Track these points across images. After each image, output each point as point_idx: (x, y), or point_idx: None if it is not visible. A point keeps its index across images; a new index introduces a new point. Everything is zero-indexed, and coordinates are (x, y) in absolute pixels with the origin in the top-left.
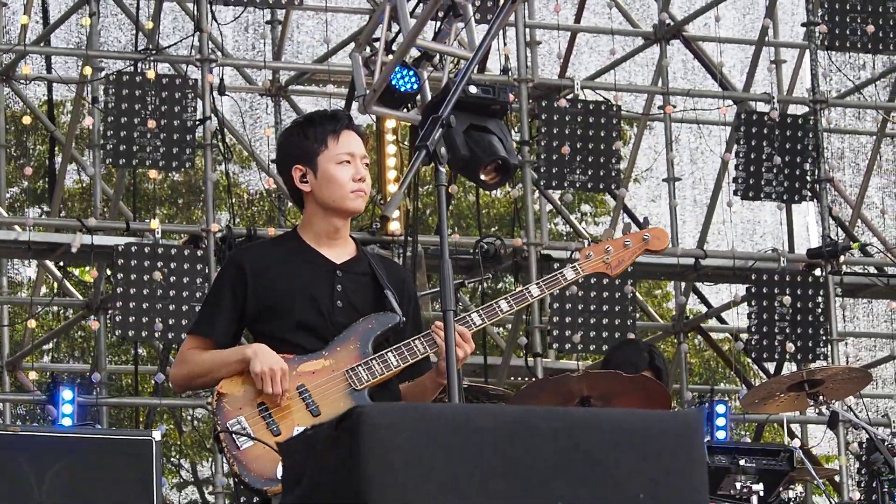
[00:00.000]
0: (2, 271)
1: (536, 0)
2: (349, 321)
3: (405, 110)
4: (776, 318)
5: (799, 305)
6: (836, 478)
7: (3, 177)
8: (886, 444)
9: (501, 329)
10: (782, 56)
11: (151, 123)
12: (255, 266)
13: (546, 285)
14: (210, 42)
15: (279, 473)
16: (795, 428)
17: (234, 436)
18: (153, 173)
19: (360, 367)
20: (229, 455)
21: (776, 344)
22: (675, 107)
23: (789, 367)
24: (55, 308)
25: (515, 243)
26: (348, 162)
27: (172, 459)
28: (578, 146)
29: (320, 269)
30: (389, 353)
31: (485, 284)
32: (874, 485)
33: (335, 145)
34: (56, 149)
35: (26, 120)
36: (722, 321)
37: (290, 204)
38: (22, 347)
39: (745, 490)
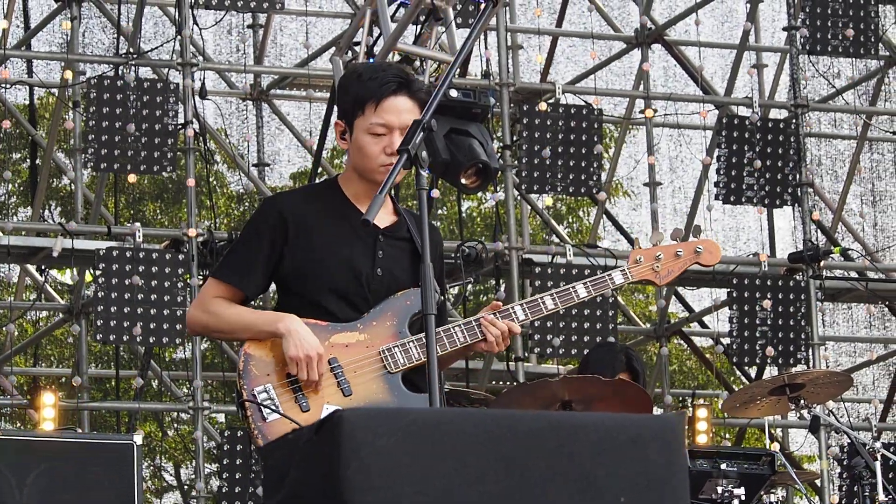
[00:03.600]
0: None
1: (518, 4)
2: (387, 292)
3: None
4: (757, 322)
5: (780, 310)
6: (818, 482)
7: None
8: (867, 448)
9: None
10: (763, 60)
11: (132, 128)
12: (297, 219)
13: (594, 286)
14: (191, 46)
15: None
16: (777, 432)
17: (261, 406)
18: (132, 177)
19: (396, 349)
20: (253, 426)
21: (757, 348)
22: (656, 111)
23: (770, 372)
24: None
25: (497, 248)
26: (383, 134)
27: (156, 461)
28: (560, 150)
29: (362, 232)
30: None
31: (466, 288)
32: (855, 489)
33: (372, 113)
34: (38, 153)
35: (6, 124)
36: (704, 325)
37: None
38: (2, 352)
39: (726, 494)
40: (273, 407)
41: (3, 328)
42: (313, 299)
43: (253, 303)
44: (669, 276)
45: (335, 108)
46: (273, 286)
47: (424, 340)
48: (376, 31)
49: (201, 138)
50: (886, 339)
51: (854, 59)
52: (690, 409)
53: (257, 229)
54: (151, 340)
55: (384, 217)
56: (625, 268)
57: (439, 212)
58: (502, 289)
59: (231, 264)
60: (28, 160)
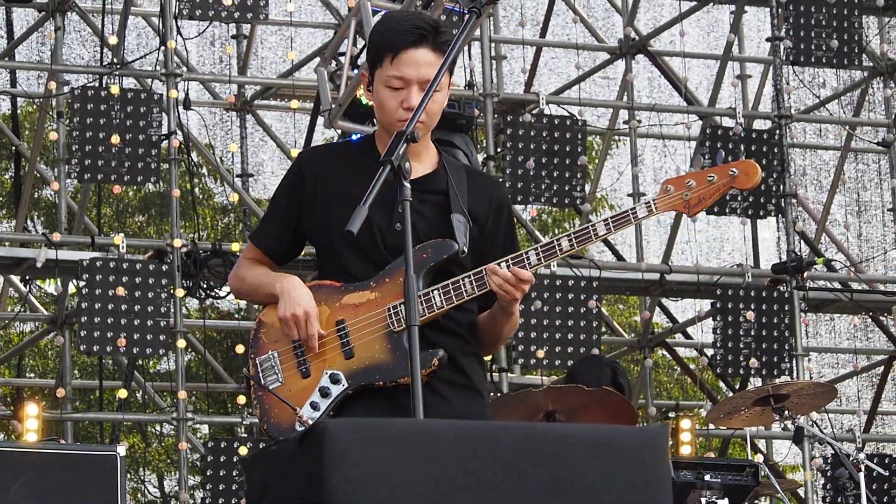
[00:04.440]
0: None
1: (501, 15)
2: (402, 242)
3: (370, 125)
4: (741, 333)
5: (764, 321)
6: (801, 492)
7: None
8: (851, 459)
9: None
10: (747, 71)
11: (115, 138)
12: (318, 172)
13: (614, 223)
14: (175, 57)
15: (297, 424)
16: (760, 443)
17: (261, 375)
18: (116, 188)
19: (401, 305)
20: (254, 396)
21: (741, 359)
22: (640, 122)
23: (754, 383)
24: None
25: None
26: (401, 87)
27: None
28: (544, 161)
29: (385, 184)
30: (435, 292)
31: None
32: (839, 500)
33: (389, 65)
34: (22, 163)
35: None
36: (688, 336)
37: (255, 219)
38: None
39: None
40: (275, 374)
41: None
42: (331, 255)
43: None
44: (701, 203)
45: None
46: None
47: (430, 295)
48: (361, 42)
49: (185, 148)
50: (870, 350)
51: (838, 70)
52: (674, 420)
53: (282, 188)
54: (135, 351)
55: (418, 167)
56: (650, 200)
57: None
58: None
59: (261, 226)
60: (11, 171)
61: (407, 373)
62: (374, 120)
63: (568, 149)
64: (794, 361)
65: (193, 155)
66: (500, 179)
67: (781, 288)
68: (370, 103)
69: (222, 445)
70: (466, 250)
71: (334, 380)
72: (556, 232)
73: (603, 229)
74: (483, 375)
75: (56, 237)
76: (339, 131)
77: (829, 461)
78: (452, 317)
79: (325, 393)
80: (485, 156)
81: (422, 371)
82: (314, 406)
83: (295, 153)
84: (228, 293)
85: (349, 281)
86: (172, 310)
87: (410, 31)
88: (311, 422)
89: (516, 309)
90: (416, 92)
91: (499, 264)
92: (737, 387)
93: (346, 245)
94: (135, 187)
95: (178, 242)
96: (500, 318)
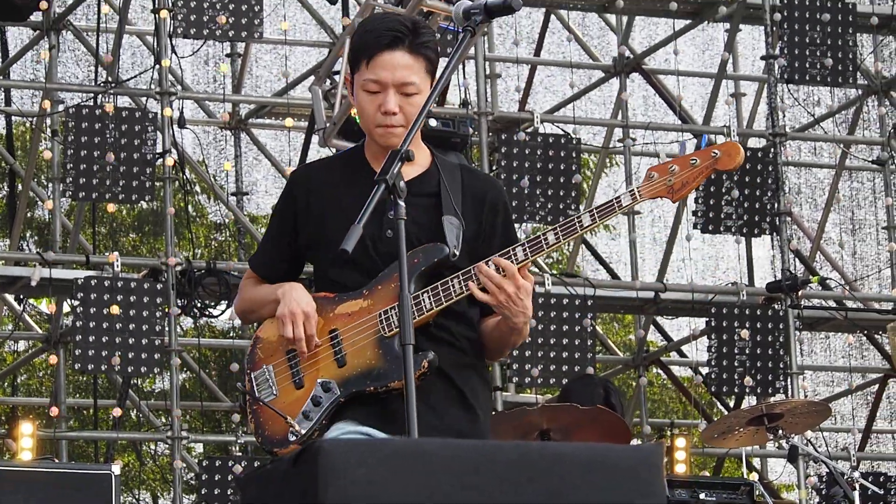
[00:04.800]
0: None
1: (496, 34)
2: (398, 253)
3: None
4: (736, 351)
5: (759, 339)
6: None
7: None
8: (846, 477)
9: None
10: (742, 89)
11: (110, 157)
12: (308, 188)
13: (599, 214)
14: (170, 75)
15: (290, 435)
16: (755, 461)
17: (256, 390)
18: (111, 207)
19: (392, 311)
20: (249, 411)
21: (736, 377)
22: (634, 140)
23: (749, 401)
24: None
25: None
26: (377, 91)
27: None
28: (538, 179)
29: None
30: (424, 295)
31: None
32: None
33: (365, 69)
34: (16, 181)
35: None
36: (682, 355)
37: (249, 237)
38: None
39: None
40: (269, 387)
41: None
42: (324, 270)
43: None
44: (685, 187)
45: (312, 134)
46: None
47: (419, 298)
48: None
49: (179, 167)
50: (865, 369)
51: (832, 88)
52: (669, 438)
53: (276, 209)
54: (130, 370)
55: (408, 170)
56: (634, 188)
57: None
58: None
59: (258, 250)
60: (5, 189)
61: (398, 377)
62: None
63: (563, 167)
64: (789, 380)
65: (188, 173)
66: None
67: (776, 306)
68: None
69: (217, 464)
70: (458, 253)
71: (326, 388)
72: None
73: (588, 220)
74: (482, 391)
75: (50, 255)
76: (334, 150)
77: (823, 480)
78: (446, 327)
79: (316, 402)
80: None
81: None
82: (306, 415)
83: (289, 171)
84: (223, 311)
85: (343, 292)
86: (167, 328)
87: (385, 34)
88: (303, 431)
89: (520, 322)
90: (393, 95)
91: (487, 263)
92: (732, 405)
93: (339, 259)
94: (129, 206)
95: (172, 261)
96: (501, 324)
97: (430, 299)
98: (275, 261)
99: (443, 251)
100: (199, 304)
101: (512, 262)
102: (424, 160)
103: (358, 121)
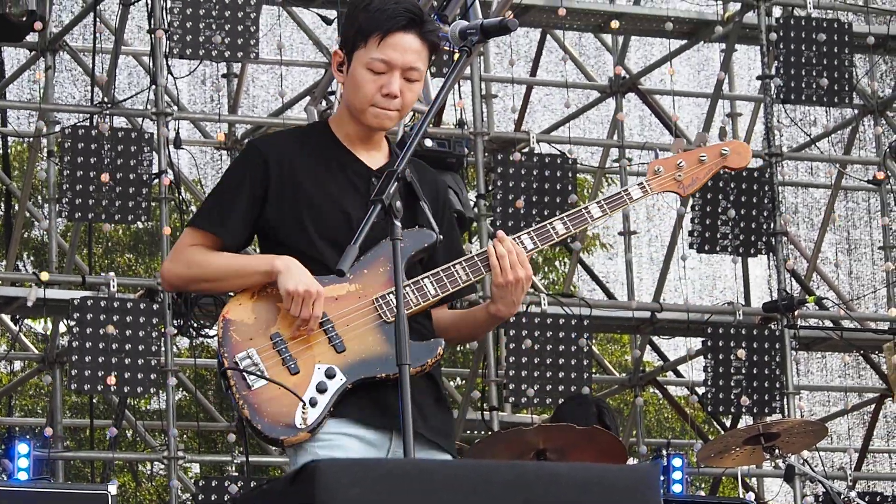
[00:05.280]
0: None
1: (492, 53)
2: (381, 236)
3: None
4: (732, 371)
5: (755, 359)
6: None
7: None
8: (842, 497)
9: (459, 381)
10: (738, 109)
11: (105, 177)
12: (282, 160)
13: (609, 206)
14: (166, 95)
15: (298, 420)
16: (752, 481)
17: (244, 373)
18: (106, 227)
19: (391, 296)
20: (238, 396)
21: (732, 397)
22: (630, 160)
23: (745, 421)
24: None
25: (470, 299)
26: (382, 72)
27: None
28: (534, 199)
29: (354, 173)
30: (426, 280)
31: None
32: None
33: (374, 47)
34: (12, 202)
35: None
36: (679, 375)
37: None
38: None
39: None
40: (259, 373)
41: None
42: (302, 248)
43: None
44: (695, 184)
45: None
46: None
47: (422, 284)
48: None
49: (175, 188)
50: (861, 388)
51: (828, 108)
52: (665, 458)
53: (239, 174)
54: (126, 390)
55: (377, 158)
56: (643, 181)
57: None
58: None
59: (210, 212)
60: (1, 210)
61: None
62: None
63: (559, 187)
64: (786, 399)
65: (184, 193)
66: (491, 218)
67: (772, 326)
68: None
69: (213, 484)
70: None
71: (329, 374)
72: (546, 270)
73: (598, 211)
74: (441, 381)
75: (46, 276)
76: None
77: (820, 500)
78: (423, 322)
79: (321, 388)
80: (475, 194)
81: (427, 360)
82: (312, 403)
83: None
84: None
85: (321, 272)
86: (163, 348)
87: (402, 14)
88: (311, 419)
89: (511, 312)
90: (398, 78)
91: (516, 239)
92: (728, 424)
93: (323, 240)
94: (125, 226)
95: None
96: (481, 324)
97: (433, 286)
98: (238, 228)
99: (431, 237)
100: (195, 325)
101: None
102: (384, 149)
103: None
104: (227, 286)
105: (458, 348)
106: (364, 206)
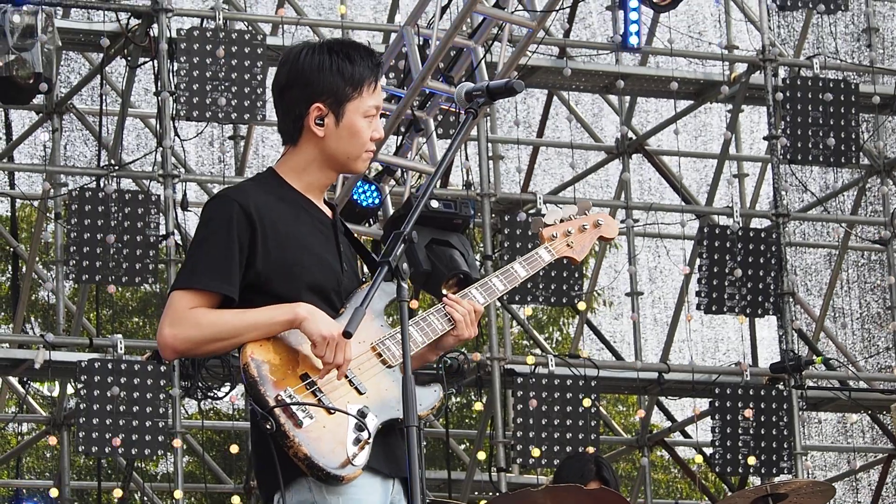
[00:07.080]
0: None
1: (499, 115)
2: (351, 286)
3: (367, 225)
4: (739, 431)
5: (762, 419)
6: None
7: None
8: None
9: (466, 443)
10: (744, 170)
11: (111, 239)
12: (260, 210)
13: (529, 265)
14: (173, 158)
15: (350, 452)
16: None
17: (294, 410)
18: (111, 288)
19: (388, 342)
20: (291, 435)
21: (740, 458)
22: (636, 221)
23: (753, 481)
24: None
25: (475, 357)
26: (373, 116)
27: None
28: None
29: (319, 222)
30: (413, 329)
31: (449, 399)
32: None
33: (369, 95)
34: (20, 264)
35: None
36: (686, 435)
37: None
38: None
39: None
40: (304, 411)
41: None
42: (292, 297)
43: None
44: (584, 251)
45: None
46: None
47: (414, 331)
48: None
49: (183, 250)
50: (868, 449)
51: (835, 168)
52: None
53: (223, 228)
54: (133, 452)
55: (326, 210)
56: (547, 245)
57: None
58: (484, 399)
59: (207, 270)
60: (9, 272)
61: (420, 407)
62: (370, 222)
63: None
64: (794, 459)
65: None
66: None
67: (780, 386)
68: (367, 202)
69: None
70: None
71: (362, 414)
72: (551, 330)
73: (522, 272)
74: None
75: (53, 338)
76: None
77: None
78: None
79: (360, 427)
80: (482, 256)
81: (434, 404)
82: (356, 442)
83: None
84: (227, 393)
85: None
86: (171, 410)
87: (374, 60)
88: (363, 458)
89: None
90: (378, 120)
91: (463, 295)
92: (736, 485)
93: (311, 292)
94: (132, 288)
95: None
96: (428, 355)
97: (418, 334)
98: (237, 282)
99: (402, 290)
100: (202, 386)
101: (493, 293)
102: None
103: (362, 206)
104: (242, 342)
105: (465, 410)
106: (338, 256)
